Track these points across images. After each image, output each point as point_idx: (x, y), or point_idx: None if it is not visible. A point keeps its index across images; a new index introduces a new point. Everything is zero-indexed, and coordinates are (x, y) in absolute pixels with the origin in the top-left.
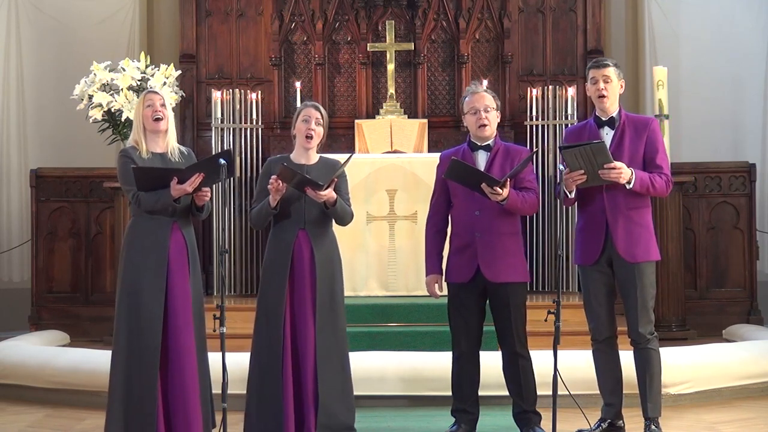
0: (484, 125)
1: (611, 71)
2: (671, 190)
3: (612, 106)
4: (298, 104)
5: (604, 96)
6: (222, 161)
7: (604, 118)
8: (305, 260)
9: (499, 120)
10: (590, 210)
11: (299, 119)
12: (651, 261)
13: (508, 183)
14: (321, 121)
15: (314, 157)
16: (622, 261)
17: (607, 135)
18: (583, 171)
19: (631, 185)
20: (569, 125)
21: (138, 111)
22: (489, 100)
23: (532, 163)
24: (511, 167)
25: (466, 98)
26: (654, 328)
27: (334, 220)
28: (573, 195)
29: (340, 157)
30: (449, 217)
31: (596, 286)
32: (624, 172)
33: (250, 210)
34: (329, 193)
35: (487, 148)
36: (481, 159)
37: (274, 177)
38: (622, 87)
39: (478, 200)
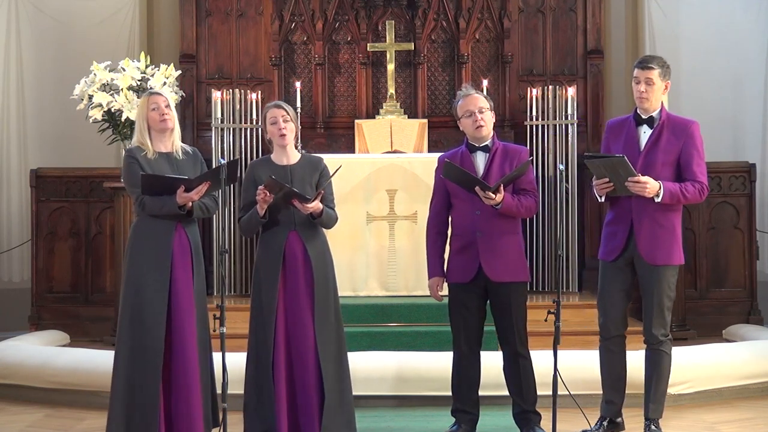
0: (481, 126)
1: (655, 74)
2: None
3: (652, 107)
4: (299, 104)
5: (643, 98)
6: (221, 161)
7: (643, 116)
8: (298, 259)
9: (494, 120)
10: (618, 206)
11: (267, 123)
12: (673, 265)
13: (502, 188)
14: (288, 117)
15: (295, 156)
16: (643, 262)
17: (645, 134)
18: (608, 180)
19: (659, 199)
20: (569, 125)
21: (142, 113)
22: (482, 101)
23: (532, 165)
24: (510, 167)
25: (459, 102)
26: (669, 331)
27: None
28: (603, 200)
29: (327, 158)
30: (449, 219)
31: (612, 283)
32: (650, 186)
33: (239, 219)
34: (316, 205)
35: (485, 148)
36: (480, 160)
37: (261, 188)
38: (666, 87)
39: (479, 200)
